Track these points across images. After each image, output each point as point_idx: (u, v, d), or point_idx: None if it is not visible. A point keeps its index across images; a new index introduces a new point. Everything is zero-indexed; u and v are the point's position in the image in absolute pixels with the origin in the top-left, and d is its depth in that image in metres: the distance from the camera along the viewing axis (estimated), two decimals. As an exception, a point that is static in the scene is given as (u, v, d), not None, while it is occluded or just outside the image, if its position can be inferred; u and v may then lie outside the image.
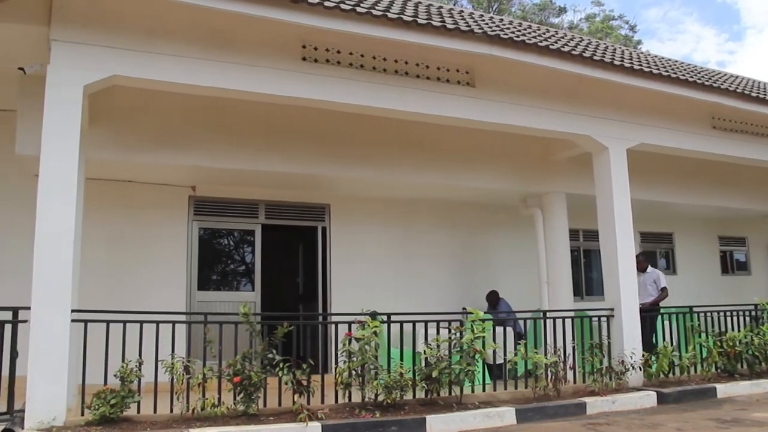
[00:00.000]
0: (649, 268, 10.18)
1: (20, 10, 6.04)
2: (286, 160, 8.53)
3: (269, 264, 10.34)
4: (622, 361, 8.04)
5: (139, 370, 6.03)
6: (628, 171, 8.90)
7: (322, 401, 6.64)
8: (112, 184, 8.93)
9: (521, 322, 9.41)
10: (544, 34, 9.30)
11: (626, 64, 8.42)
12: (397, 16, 6.87)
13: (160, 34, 6.42)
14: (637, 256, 9.51)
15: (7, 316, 5.94)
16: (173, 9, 6.28)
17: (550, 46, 7.85)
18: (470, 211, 11.62)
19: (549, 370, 7.58)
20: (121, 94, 7.35)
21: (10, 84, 7.27)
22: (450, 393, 7.13)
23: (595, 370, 7.94)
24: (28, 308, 5.66)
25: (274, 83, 6.88)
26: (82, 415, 5.81)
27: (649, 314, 9.33)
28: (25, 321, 5.75)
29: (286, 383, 6.34)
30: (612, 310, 8.56)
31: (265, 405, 6.35)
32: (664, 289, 9.92)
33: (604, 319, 8.56)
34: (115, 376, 5.92)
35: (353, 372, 6.67)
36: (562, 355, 7.80)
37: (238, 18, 6.43)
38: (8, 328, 5.90)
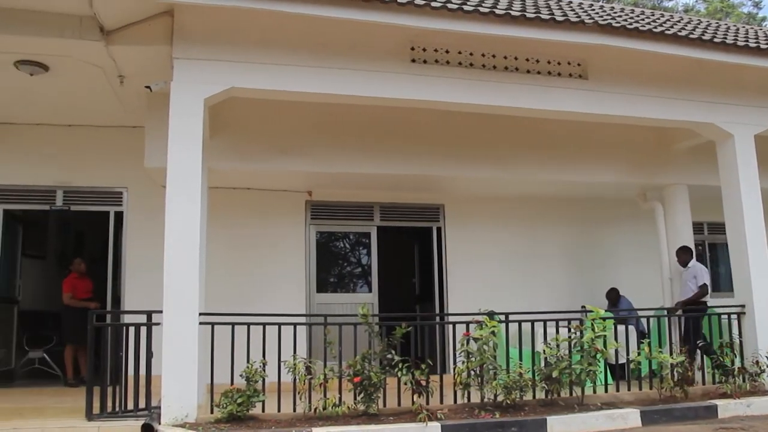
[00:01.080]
0: (691, 263, 9.17)
1: (146, 33, 6.52)
2: (399, 162, 8.61)
3: (385, 265, 10.47)
4: (757, 362, 7.56)
5: (263, 370, 6.24)
6: (756, 158, 8.37)
7: (441, 401, 6.65)
8: (233, 192, 9.34)
9: (644, 321, 9.07)
10: (658, 19, 8.91)
11: (751, 44, 7.91)
12: (504, 11, 6.78)
13: (273, 45, 6.64)
14: (676, 251, 9.10)
15: (142, 319, 6.35)
16: (285, 20, 6.47)
17: (666, 32, 7.50)
18: (587, 207, 11.28)
19: (675, 370, 7.25)
20: (238, 106, 7.65)
21: (140, 102, 7.78)
22: (571, 393, 6.96)
23: (726, 370, 7.54)
24: (160, 312, 6.03)
25: (385, 86, 6.97)
26: (212, 413, 6.09)
27: (692, 315, 8.57)
28: (158, 324, 6.12)
29: (405, 383, 6.38)
30: (743, 306, 8.07)
31: (384, 405, 6.44)
32: (703, 286, 8.80)
33: (734, 316, 8.10)
34: (240, 376, 6.15)
35: (472, 372, 6.65)
36: (688, 355, 7.45)
37: (348, 24, 6.55)
38: (143, 330, 6.31)
